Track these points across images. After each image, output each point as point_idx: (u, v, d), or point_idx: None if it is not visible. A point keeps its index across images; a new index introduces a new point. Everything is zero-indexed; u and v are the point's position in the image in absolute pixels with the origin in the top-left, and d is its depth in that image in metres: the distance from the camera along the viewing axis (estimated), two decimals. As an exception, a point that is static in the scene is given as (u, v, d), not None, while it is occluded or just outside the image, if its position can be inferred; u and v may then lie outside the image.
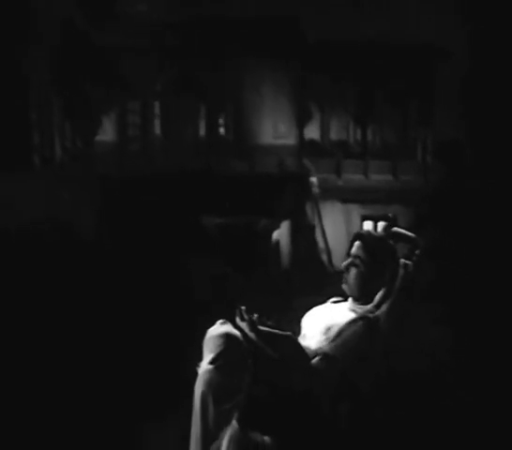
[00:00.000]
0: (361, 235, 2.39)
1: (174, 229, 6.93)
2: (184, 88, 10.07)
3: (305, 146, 10.45)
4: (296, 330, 2.48)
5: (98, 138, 9.71)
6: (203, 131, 10.66)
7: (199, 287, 4.99)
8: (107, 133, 9.90)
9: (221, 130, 10.74)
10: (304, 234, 7.98)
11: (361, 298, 2.37)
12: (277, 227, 7.43)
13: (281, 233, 7.53)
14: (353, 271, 2.36)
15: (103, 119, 9.73)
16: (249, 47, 9.79)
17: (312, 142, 10.68)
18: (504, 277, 5.88)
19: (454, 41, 9.44)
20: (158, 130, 10.43)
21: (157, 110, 10.46)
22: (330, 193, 9.49)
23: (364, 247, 2.34)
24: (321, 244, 8.19)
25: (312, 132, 10.75)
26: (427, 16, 9.48)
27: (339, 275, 2.48)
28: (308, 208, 8.51)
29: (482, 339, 4.63)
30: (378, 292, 2.31)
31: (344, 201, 9.73)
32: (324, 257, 7.89)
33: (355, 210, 9.75)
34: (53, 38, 8.38)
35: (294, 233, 7.86)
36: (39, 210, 7.02)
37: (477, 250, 6.84)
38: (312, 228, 8.21)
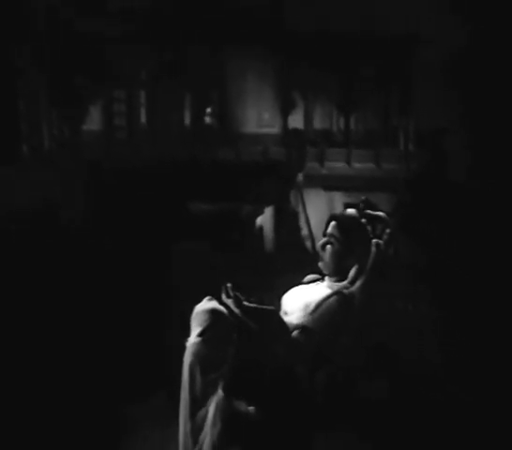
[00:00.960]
0: (335, 216, 2.59)
1: (161, 214, 7.05)
2: (169, 77, 10.13)
3: (289, 135, 10.57)
4: (278, 307, 2.65)
5: (85, 127, 9.78)
6: (188, 120, 10.75)
7: (184, 267, 5.13)
8: (93, 122, 9.97)
9: (207, 119, 10.83)
10: (287, 220, 8.14)
11: (336, 275, 2.56)
12: (260, 213, 7.58)
13: (265, 219, 7.70)
14: (328, 249, 2.56)
15: (90, 108, 9.80)
16: (234, 36, 9.86)
17: (296, 130, 10.80)
18: (489, 261, 5.99)
19: (434, 28, 9.52)
20: (143, 119, 10.50)
21: (142, 99, 10.53)
22: (314, 181, 9.61)
23: (338, 226, 2.54)
24: (304, 230, 8.34)
25: (296, 121, 10.88)
26: (406, 3, 9.57)
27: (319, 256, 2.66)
28: (292, 196, 8.65)
29: (470, 328, 4.74)
30: (352, 268, 2.51)
31: (327, 188, 9.85)
32: (308, 243, 8.04)
33: (338, 198, 9.87)
34: (40, 27, 8.42)
35: (278, 219, 8.02)
36: (28, 197, 7.13)
37: (459, 236, 6.99)
38: (296, 214, 8.37)
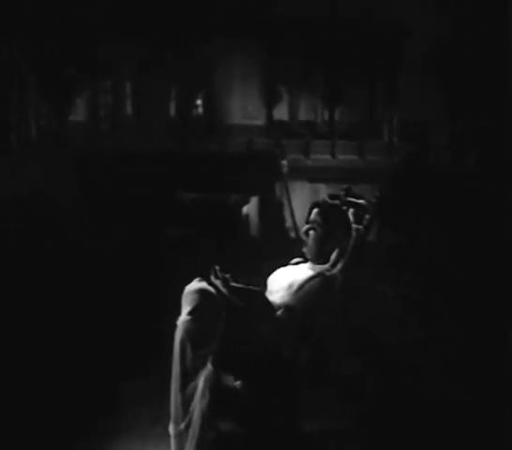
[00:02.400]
0: (317, 203, 2.76)
1: (148, 203, 7.18)
2: (155, 68, 10.19)
3: (274, 127, 10.69)
4: (264, 288, 2.81)
5: (72, 117, 9.85)
6: (173, 111, 10.83)
7: (174, 251, 5.27)
8: (79, 113, 10.03)
9: (192, 110, 10.92)
10: (272, 210, 8.30)
11: (319, 258, 2.73)
12: (246, 202, 7.75)
13: (251, 208, 7.86)
14: (311, 234, 2.73)
15: (76, 99, 9.86)
16: (219, 27, 9.94)
17: (281, 122, 10.92)
18: (470, 247, 6.10)
19: (419, 20, 9.63)
20: (129, 110, 10.57)
21: (128, 90, 10.59)
22: (299, 173, 9.74)
23: (320, 212, 2.72)
24: (289, 221, 8.49)
25: (281, 113, 11.00)
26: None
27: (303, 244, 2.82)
28: (277, 187, 8.79)
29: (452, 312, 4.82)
30: (333, 252, 2.68)
31: (312, 180, 9.99)
32: (292, 233, 8.20)
33: (323, 189, 10.01)
34: (29, 17, 8.46)
35: (263, 209, 8.18)
36: (17, 186, 7.23)
37: (441, 227, 7.11)
38: (281, 205, 8.53)
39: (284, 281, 2.68)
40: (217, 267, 2.56)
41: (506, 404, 3.33)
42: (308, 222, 2.78)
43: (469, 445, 3.09)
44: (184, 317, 2.51)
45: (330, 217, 2.70)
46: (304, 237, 2.77)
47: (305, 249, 2.78)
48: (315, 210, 2.75)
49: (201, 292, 2.53)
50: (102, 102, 10.33)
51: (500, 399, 3.42)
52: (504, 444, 3.03)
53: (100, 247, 5.81)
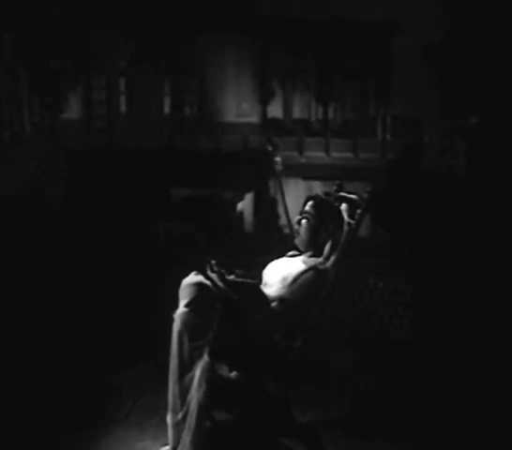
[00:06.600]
0: (310, 197, 2.86)
1: (140, 198, 7.22)
2: (148, 65, 10.23)
3: (268, 124, 10.76)
4: (258, 281, 2.89)
5: (65, 115, 9.89)
6: (167, 108, 10.88)
7: (169, 246, 5.32)
8: (73, 110, 10.07)
9: (186, 108, 10.98)
10: (267, 208, 8.38)
11: (310, 249, 2.82)
12: (241, 199, 7.82)
13: (245, 205, 7.93)
14: (303, 224, 2.83)
15: (69, 96, 9.90)
16: (213, 25, 9.99)
17: (275, 120, 10.99)
18: (460, 242, 6.15)
19: (413, 17, 9.70)
20: (123, 107, 10.61)
21: (122, 87, 10.63)
22: (292, 170, 9.82)
23: (313, 205, 2.82)
24: (283, 219, 8.57)
25: (275, 110, 11.07)
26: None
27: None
28: (271, 184, 8.86)
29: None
30: (325, 243, 2.77)
31: (306, 178, 10.06)
32: (287, 230, 8.28)
33: (316, 187, 10.08)
34: (20, 14, 8.48)
35: (258, 206, 8.25)
36: (10, 183, 7.27)
37: (433, 224, 7.17)
38: (275, 202, 8.61)
39: (278, 274, 2.76)
40: (213, 261, 2.63)
41: (506, 404, 3.38)
42: (301, 214, 2.88)
43: (468, 444, 3.11)
44: (181, 309, 2.58)
45: (322, 208, 2.81)
46: (296, 227, 2.86)
47: (297, 241, 2.87)
48: (308, 203, 2.85)
49: (197, 285, 2.61)
50: (96, 99, 10.38)
51: (500, 399, 3.46)
52: (504, 444, 3.07)
53: (93, 243, 5.86)
